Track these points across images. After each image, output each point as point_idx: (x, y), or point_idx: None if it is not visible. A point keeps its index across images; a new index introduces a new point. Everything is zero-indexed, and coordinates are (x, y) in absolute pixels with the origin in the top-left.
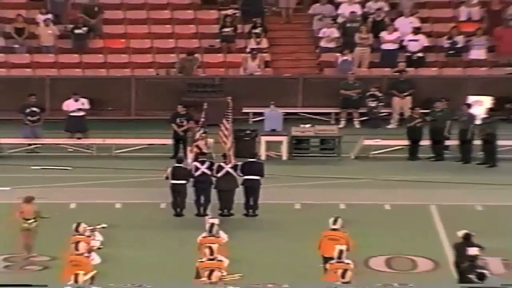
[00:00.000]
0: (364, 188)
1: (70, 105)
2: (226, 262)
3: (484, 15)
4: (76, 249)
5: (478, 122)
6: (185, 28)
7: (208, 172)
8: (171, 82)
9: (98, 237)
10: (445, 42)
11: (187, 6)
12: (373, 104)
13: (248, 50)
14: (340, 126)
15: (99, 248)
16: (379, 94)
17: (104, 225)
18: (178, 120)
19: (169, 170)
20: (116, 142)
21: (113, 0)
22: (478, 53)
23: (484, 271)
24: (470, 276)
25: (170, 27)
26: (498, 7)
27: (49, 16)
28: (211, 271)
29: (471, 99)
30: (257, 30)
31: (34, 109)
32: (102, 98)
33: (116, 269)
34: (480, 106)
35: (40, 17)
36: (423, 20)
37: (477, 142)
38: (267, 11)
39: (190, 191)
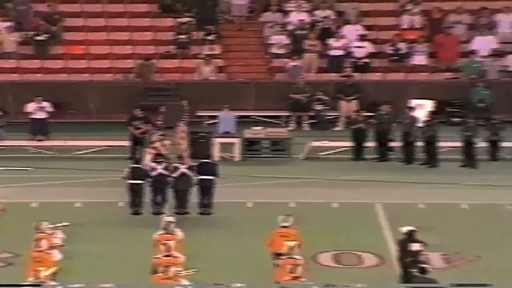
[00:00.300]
0: (313, 187)
1: (32, 107)
2: (181, 258)
3: (426, 23)
4: (38, 246)
5: (420, 124)
6: (142, 35)
7: (165, 172)
8: (129, 87)
9: (60, 234)
10: (388, 49)
11: (144, 14)
12: (319, 107)
13: (202, 56)
14: (290, 128)
15: (60, 246)
16: (326, 98)
17: (66, 223)
18: (135, 123)
19: (127, 170)
20: (77, 143)
21: (73, 8)
22: (419, 59)
23: (425, 265)
24: (412, 270)
25: (128, 34)
26: (438, 15)
27: (12, 23)
28: (167, 267)
29: (413, 102)
30: (211, 37)
31: None
32: (63, 102)
33: (77, 265)
34: (422, 109)
35: (2, 25)
36: (368, 27)
37: (419, 143)
38: (220, 19)
39: (147, 190)
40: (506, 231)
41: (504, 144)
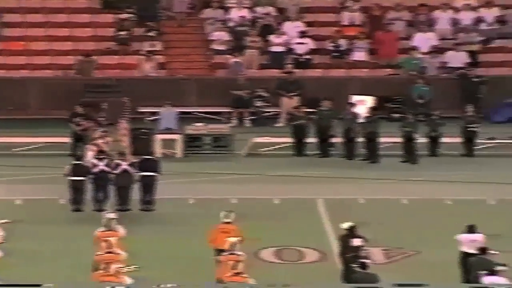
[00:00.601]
0: (255, 183)
1: None
2: (123, 255)
3: (365, 20)
4: None
5: (360, 120)
6: (83, 31)
7: (106, 169)
8: (70, 83)
9: (0, 232)
10: (329, 45)
11: (84, 10)
12: (259, 104)
13: (143, 52)
14: (232, 124)
15: (1, 243)
16: (265, 95)
17: (5, 221)
18: (76, 120)
19: (68, 167)
20: (17, 140)
21: (12, 3)
22: (360, 55)
23: (366, 260)
24: (353, 266)
25: (68, 30)
26: (378, 12)
27: None
28: (108, 264)
29: (354, 98)
30: (152, 34)
31: None
32: (2, 98)
33: (17, 262)
34: (363, 105)
35: None
36: (309, 24)
37: (360, 139)
38: (161, 16)
39: (89, 187)
40: (445, 226)
41: (444, 139)
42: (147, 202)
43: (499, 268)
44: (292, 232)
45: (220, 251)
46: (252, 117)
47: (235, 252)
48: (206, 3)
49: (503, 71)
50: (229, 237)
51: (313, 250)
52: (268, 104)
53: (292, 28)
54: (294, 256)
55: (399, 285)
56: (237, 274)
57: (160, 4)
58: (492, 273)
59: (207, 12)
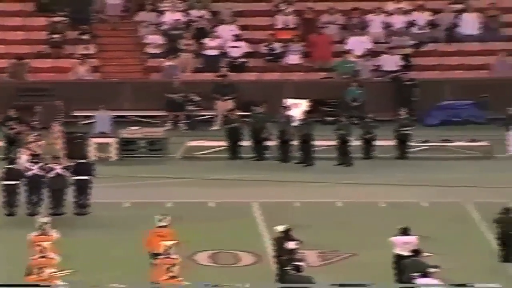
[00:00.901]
0: (190, 186)
1: None
2: (57, 259)
3: (299, 23)
4: None
5: (295, 123)
6: (15, 34)
7: (40, 172)
8: (2, 87)
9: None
10: (263, 49)
11: (17, 13)
12: (191, 107)
13: (77, 55)
14: (167, 128)
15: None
16: (197, 99)
17: None
18: (10, 123)
19: (1, 171)
20: None
21: None
22: (294, 58)
23: (301, 263)
24: (288, 268)
25: (0, 33)
26: (311, 15)
27: None
28: (42, 268)
29: (288, 102)
30: (85, 37)
31: None
32: None
33: None
34: (297, 108)
35: None
36: (243, 27)
37: (295, 142)
38: (94, 19)
39: (22, 191)
40: (380, 228)
41: (377, 142)
42: (82, 206)
43: (432, 270)
44: (228, 235)
45: (155, 255)
46: (187, 121)
47: (170, 255)
48: (140, 6)
49: (435, 74)
50: (164, 240)
51: (248, 253)
52: (199, 108)
53: (226, 31)
54: (230, 259)
55: (335, 285)
56: (172, 277)
57: (93, 7)
58: (425, 274)
59: (141, 15)
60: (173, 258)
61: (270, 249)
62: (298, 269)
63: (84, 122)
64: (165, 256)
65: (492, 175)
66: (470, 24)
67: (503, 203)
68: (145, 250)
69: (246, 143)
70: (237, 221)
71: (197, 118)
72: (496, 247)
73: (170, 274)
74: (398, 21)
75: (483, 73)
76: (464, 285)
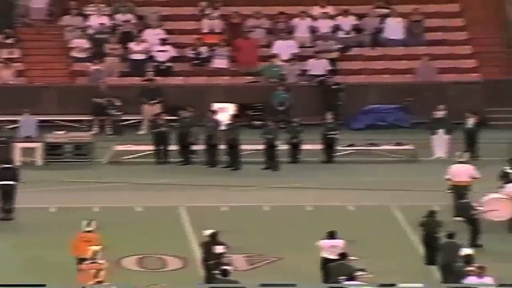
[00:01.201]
0: (117, 191)
1: None
2: None
3: (225, 27)
4: None
5: (222, 127)
6: None
7: None
8: None
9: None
10: (190, 53)
11: None
12: (113, 112)
13: (1, 60)
14: (93, 132)
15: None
16: (119, 103)
17: None
18: None
19: None
20: None
21: None
22: (220, 62)
23: (228, 267)
24: (215, 272)
25: None
26: (237, 20)
27: None
28: None
29: (215, 106)
30: (10, 41)
31: None
32: None
33: None
34: (224, 112)
35: None
36: (169, 31)
37: (222, 146)
38: (19, 23)
39: None
40: (307, 232)
41: (304, 146)
42: (7, 211)
43: (358, 273)
44: (155, 240)
45: (82, 260)
46: (112, 125)
47: (96, 260)
48: (65, 10)
49: (361, 78)
50: (91, 245)
51: (176, 257)
52: (121, 113)
53: (152, 35)
54: (157, 264)
55: (263, 285)
56: (99, 282)
57: (18, 11)
58: (352, 278)
59: (66, 19)
60: (100, 263)
61: (197, 253)
62: (225, 273)
63: (9, 126)
64: (92, 261)
65: (417, 179)
66: (394, 29)
67: (428, 206)
68: (72, 255)
69: (173, 147)
70: (164, 226)
71: (122, 123)
72: (421, 250)
73: (97, 280)
74: (324, 25)
75: (408, 77)
76: (389, 285)
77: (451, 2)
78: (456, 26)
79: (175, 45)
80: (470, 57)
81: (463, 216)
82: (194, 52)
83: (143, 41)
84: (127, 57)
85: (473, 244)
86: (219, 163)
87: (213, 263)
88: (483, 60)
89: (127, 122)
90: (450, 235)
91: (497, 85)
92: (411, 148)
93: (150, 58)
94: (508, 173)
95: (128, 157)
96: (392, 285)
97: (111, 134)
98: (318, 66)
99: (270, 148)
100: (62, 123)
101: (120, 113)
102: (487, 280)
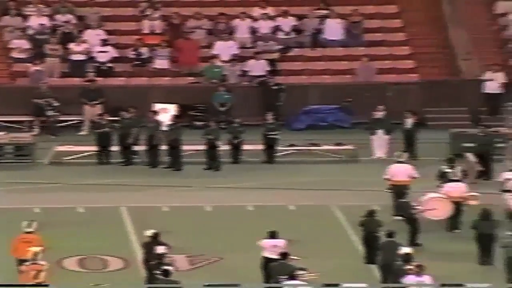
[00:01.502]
0: (58, 192)
1: None
2: None
3: (166, 28)
4: None
5: (164, 128)
6: None
7: None
8: None
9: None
10: (131, 53)
11: None
12: (50, 113)
13: None
14: (34, 133)
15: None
16: (56, 104)
17: None
18: None
19: None
20: None
21: None
22: (161, 63)
23: (169, 268)
24: (156, 273)
25: None
26: (178, 21)
27: None
28: None
29: (156, 106)
30: None
31: None
32: None
33: None
34: (165, 113)
35: None
36: (110, 32)
37: (163, 147)
38: None
39: None
40: (247, 232)
41: (245, 146)
42: None
43: (299, 272)
44: (96, 240)
45: (22, 261)
46: (49, 126)
47: (37, 261)
48: (4, 10)
49: (302, 79)
50: (31, 246)
51: (117, 258)
52: (58, 113)
53: (93, 36)
54: (98, 265)
55: (207, 285)
56: (40, 283)
57: None
58: (293, 277)
59: (5, 20)
60: (41, 264)
61: (139, 253)
62: (166, 273)
63: None
64: (32, 262)
65: (357, 179)
66: (333, 29)
67: (368, 206)
68: (12, 256)
69: (114, 148)
70: (106, 226)
71: (60, 124)
72: (361, 249)
73: (37, 281)
74: (264, 26)
75: (347, 78)
76: (332, 285)
77: (390, 3)
78: (395, 27)
79: (116, 46)
80: (409, 58)
81: (402, 215)
82: (135, 52)
83: (83, 41)
84: (67, 58)
85: (412, 243)
86: (161, 163)
87: (154, 264)
88: (421, 61)
89: (68, 123)
90: (390, 235)
91: (435, 85)
92: (351, 148)
93: (91, 59)
94: (445, 172)
95: (70, 157)
96: (336, 285)
97: (46, 134)
98: (258, 67)
99: (212, 148)
100: (2, 124)
101: (58, 113)
102: (426, 278)
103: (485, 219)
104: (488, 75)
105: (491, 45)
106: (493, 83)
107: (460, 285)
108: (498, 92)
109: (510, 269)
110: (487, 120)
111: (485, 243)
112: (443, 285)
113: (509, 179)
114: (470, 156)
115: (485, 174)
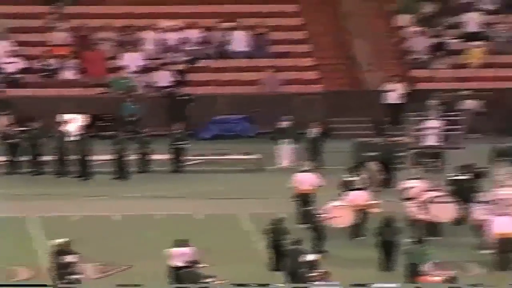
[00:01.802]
0: None
1: None
2: None
3: (74, 39)
4: None
5: (72, 138)
6: None
7: None
8: None
9: None
10: (39, 65)
11: None
12: None
13: None
14: None
15: None
16: None
17: None
18: None
19: None
20: None
21: None
22: (70, 74)
23: (78, 276)
24: (64, 282)
25: None
26: (86, 32)
27: None
28: None
29: (65, 117)
30: None
31: None
32: None
33: None
34: (74, 123)
35: None
36: (19, 43)
37: (72, 157)
38: None
39: None
40: (156, 239)
41: (153, 156)
42: None
43: (207, 280)
44: (4, 251)
45: None
46: None
47: None
48: None
49: (209, 89)
50: None
51: (25, 267)
52: None
53: (0, 47)
54: (6, 275)
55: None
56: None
57: None
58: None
59: None
60: None
61: (47, 263)
62: (76, 282)
63: None
64: None
65: (263, 187)
66: (239, 41)
67: (274, 214)
68: None
69: (23, 158)
70: (14, 236)
71: None
72: (267, 256)
73: None
74: (172, 38)
75: (253, 89)
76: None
77: (295, 16)
78: (299, 39)
79: (24, 57)
80: (313, 69)
81: (308, 223)
82: (43, 64)
83: None
84: None
85: (318, 250)
86: (69, 173)
87: (64, 272)
88: (324, 72)
89: None
90: (295, 242)
91: (339, 96)
92: (257, 157)
93: None
94: (348, 181)
95: None
96: (364, 284)
97: None
98: (163, 78)
99: (120, 158)
100: None
101: None
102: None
103: (387, 226)
104: (389, 86)
105: (392, 57)
106: (394, 93)
107: (364, 285)
108: (399, 102)
109: (411, 274)
110: (389, 130)
111: (387, 249)
112: (352, 285)
113: (408, 188)
114: (373, 165)
115: (388, 182)
